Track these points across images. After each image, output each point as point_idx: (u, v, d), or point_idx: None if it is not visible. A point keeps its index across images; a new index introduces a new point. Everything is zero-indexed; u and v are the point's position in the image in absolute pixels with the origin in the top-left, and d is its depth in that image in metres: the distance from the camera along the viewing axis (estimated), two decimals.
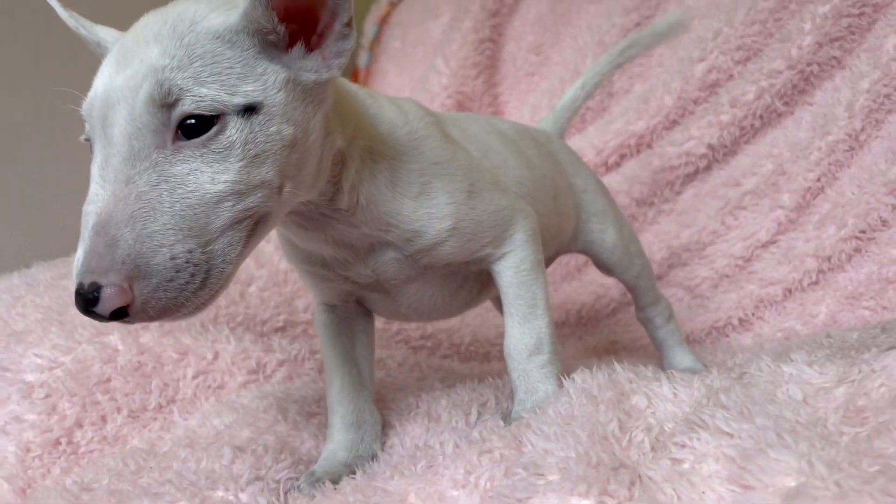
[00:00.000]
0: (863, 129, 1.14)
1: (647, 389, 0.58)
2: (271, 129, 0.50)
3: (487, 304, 1.04)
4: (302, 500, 0.58)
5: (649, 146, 1.28)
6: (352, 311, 0.73)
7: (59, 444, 0.72)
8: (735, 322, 1.15)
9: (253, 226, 0.50)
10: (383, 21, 1.59)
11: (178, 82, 0.46)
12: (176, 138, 0.47)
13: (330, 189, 0.58)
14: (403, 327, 1.08)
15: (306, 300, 0.99)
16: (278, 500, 0.60)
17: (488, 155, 0.73)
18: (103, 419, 0.75)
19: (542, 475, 0.47)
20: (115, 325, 0.80)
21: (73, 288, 0.45)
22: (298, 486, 0.61)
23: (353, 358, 0.71)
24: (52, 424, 0.72)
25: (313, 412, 0.73)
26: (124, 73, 0.47)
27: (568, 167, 0.87)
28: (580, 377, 0.60)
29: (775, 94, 1.20)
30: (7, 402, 0.74)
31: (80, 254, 0.45)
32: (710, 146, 1.23)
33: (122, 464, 0.67)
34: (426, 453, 0.59)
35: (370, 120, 0.61)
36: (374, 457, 0.66)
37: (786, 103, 1.21)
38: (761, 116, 1.21)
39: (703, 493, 0.44)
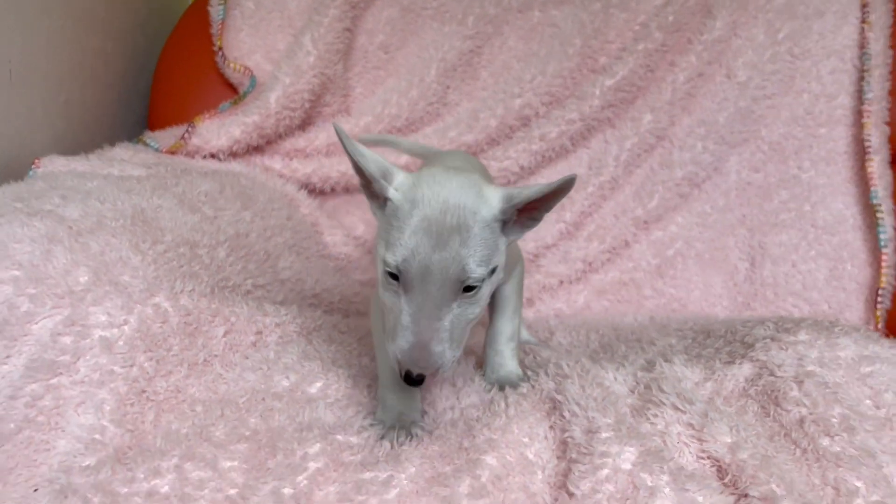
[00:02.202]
0: (621, 176, 1.63)
1: (598, 375, 0.94)
2: (496, 277, 0.78)
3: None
4: (408, 444, 0.82)
5: (475, 156, 1.62)
6: None
7: (145, 392, 0.84)
8: (524, 301, 1.57)
9: None
10: None
11: (470, 266, 0.72)
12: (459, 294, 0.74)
13: None
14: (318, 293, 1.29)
15: (256, 262, 1.14)
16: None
17: None
18: (170, 373, 0.87)
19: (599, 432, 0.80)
20: (160, 287, 0.91)
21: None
22: (391, 435, 0.84)
23: None
24: (137, 375, 0.83)
25: (354, 374, 0.95)
26: (440, 253, 0.72)
27: None
28: (567, 365, 0.94)
29: (568, 137, 1.62)
30: (89, 354, 0.82)
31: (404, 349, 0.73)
32: (522, 167, 1.61)
33: (220, 413, 0.83)
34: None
35: None
36: (423, 413, 0.91)
37: (573, 144, 1.64)
38: (557, 151, 1.63)
39: (678, 444, 0.82)
